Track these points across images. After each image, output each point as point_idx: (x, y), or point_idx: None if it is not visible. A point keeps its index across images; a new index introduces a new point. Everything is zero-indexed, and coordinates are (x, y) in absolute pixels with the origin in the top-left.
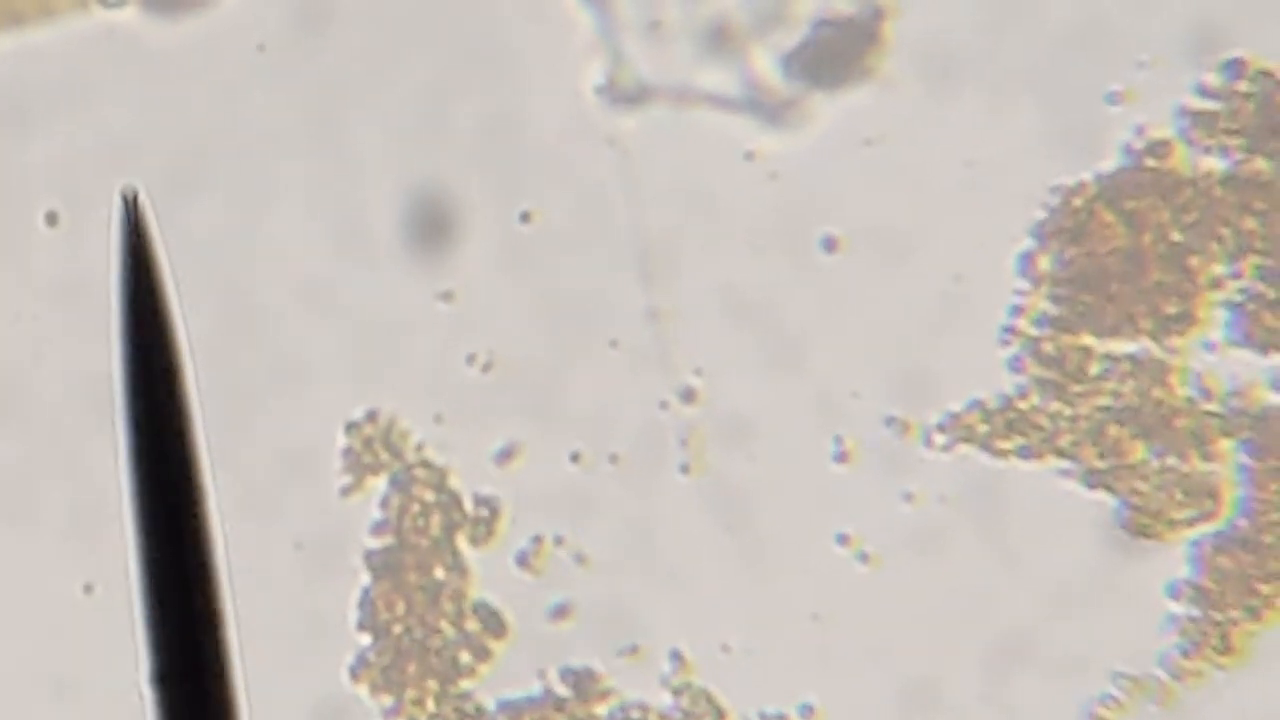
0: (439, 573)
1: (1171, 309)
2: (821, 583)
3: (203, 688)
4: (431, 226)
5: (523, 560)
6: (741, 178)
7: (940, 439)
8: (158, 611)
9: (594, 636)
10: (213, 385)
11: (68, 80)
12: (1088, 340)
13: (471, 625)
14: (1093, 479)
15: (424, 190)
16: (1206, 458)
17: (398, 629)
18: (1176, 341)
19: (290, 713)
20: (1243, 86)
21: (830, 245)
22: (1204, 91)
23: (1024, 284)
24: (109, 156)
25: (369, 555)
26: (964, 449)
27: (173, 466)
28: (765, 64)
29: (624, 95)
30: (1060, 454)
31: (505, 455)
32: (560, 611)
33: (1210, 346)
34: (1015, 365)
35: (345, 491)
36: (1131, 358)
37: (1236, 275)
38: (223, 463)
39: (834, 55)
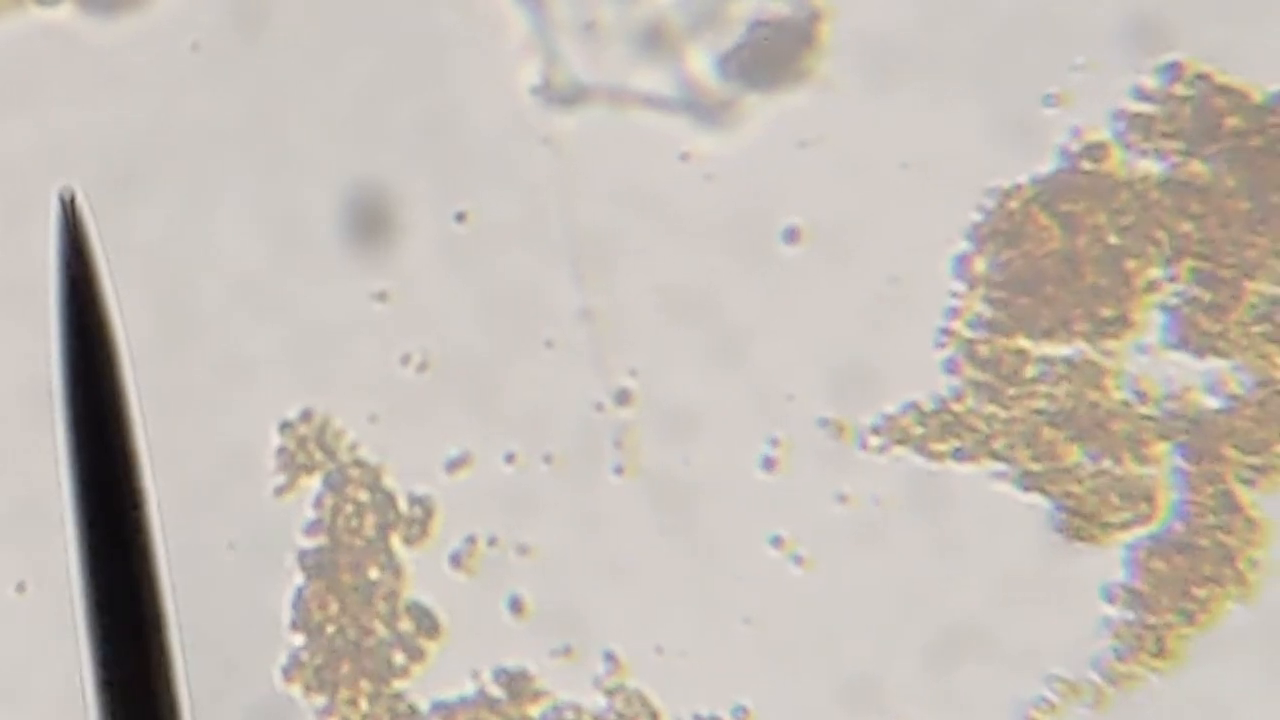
0: (373, 572)
1: (1107, 312)
2: (756, 584)
3: (146, 691)
4: (368, 226)
5: (457, 560)
6: (677, 178)
7: (875, 441)
8: (100, 616)
9: (528, 637)
10: (150, 385)
11: (2, 79)
12: (1023, 343)
13: (405, 625)
14: (1028, 482)
15: (361, 190)
16: (1142, 461)
17: (331, 629)
18: (1112, 344)
19: (225, 713)
20: (1180, 90)
21: (766, 247)
22: (1141, 94)
23: (960, 286)
24: (45, 156)
25: (303, 555)
26: (899, 451)
27: (113, 467)
28: (701, 65)
29: (560, 96)
30: (995, 457)
31: (440, 455)
32: (494, 612)
33: (1146, 350)
34: (950, 367)
35: (279, 491)
36: (1067, 360)
37: (1173, 279)
38: (158, 462)
39: (770, 57)
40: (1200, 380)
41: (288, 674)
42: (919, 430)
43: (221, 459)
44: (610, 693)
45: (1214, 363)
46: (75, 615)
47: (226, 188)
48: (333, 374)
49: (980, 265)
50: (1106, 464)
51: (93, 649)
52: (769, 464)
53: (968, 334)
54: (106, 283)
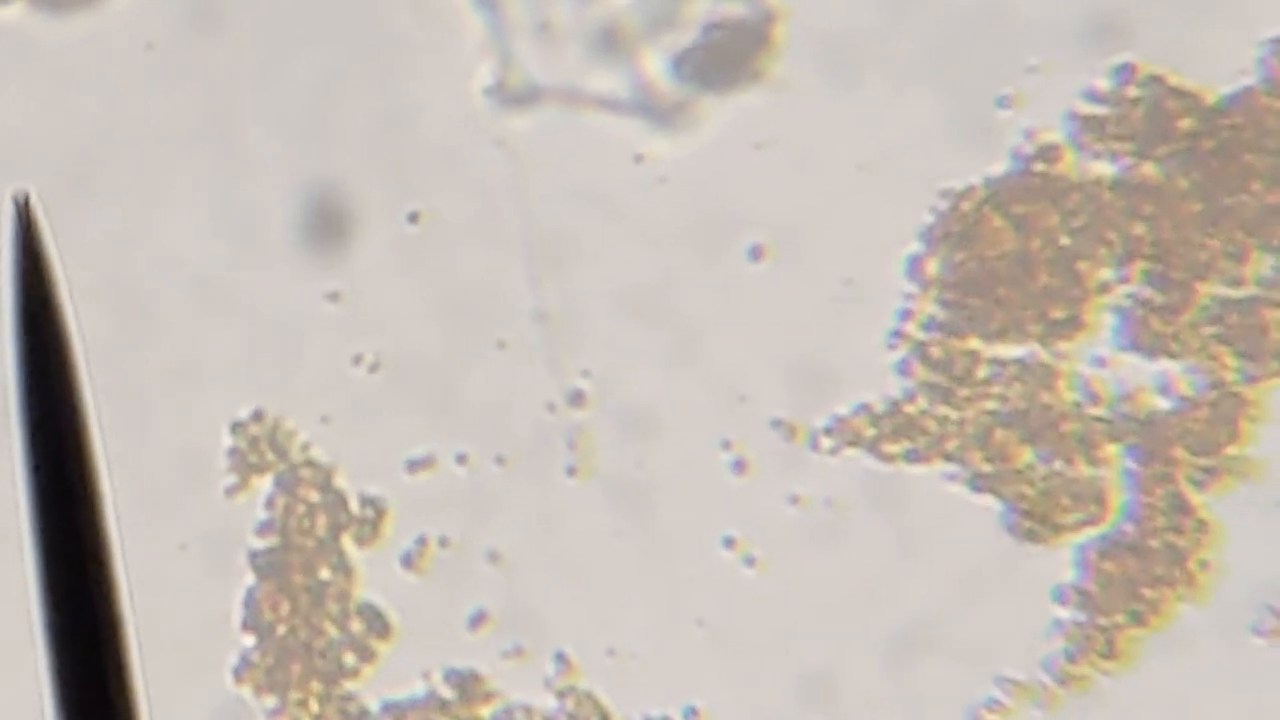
0: (324, 573)
1: (1059, 313)
2: (708, 586)
3: (104, 693)
4: (321, 226)
5: (408, 561)
6: (631, 180)
7: (827, 442)
8: (59, 623)
9: (479, 638)
10: (102, 385)
11: None
12: (975, 344)
13: (356, 626)
14: (980, 483)
15: (314, 190)
16: (1093, 462)
17: (282, 629)
18: (1064, 346)
19: (177, 715)
20: (1132, 91)
21: (720, 248)
22: (1093, 96)
23: (912, 288)
24: None
25: (254, 555)
26: (851, 452)
27: (69, 469)
28: (655, 67)
29: (514, 97)
30: (947, 458)
31: (392, 456)
32: (446, 613)
33: (1098, 351)
34: (903, 369)
35: (231, 491)
36: (1019, 362)
37: (1124, 280)
38: (109, 463)
39: (724, 58)
40: (1152, 382)
41: (239, 675)
42: (871, 432)
43: (173, 459)
44: (561, 694)
45: (1165, 364)
46: (32, 618)
47: (180, 188)
48: (285, 374)
49: (933, 267)
50: (1058, 465)
51: (50, 652)
52: (721, 466)
53: (920, 335)
54: (62, 285)
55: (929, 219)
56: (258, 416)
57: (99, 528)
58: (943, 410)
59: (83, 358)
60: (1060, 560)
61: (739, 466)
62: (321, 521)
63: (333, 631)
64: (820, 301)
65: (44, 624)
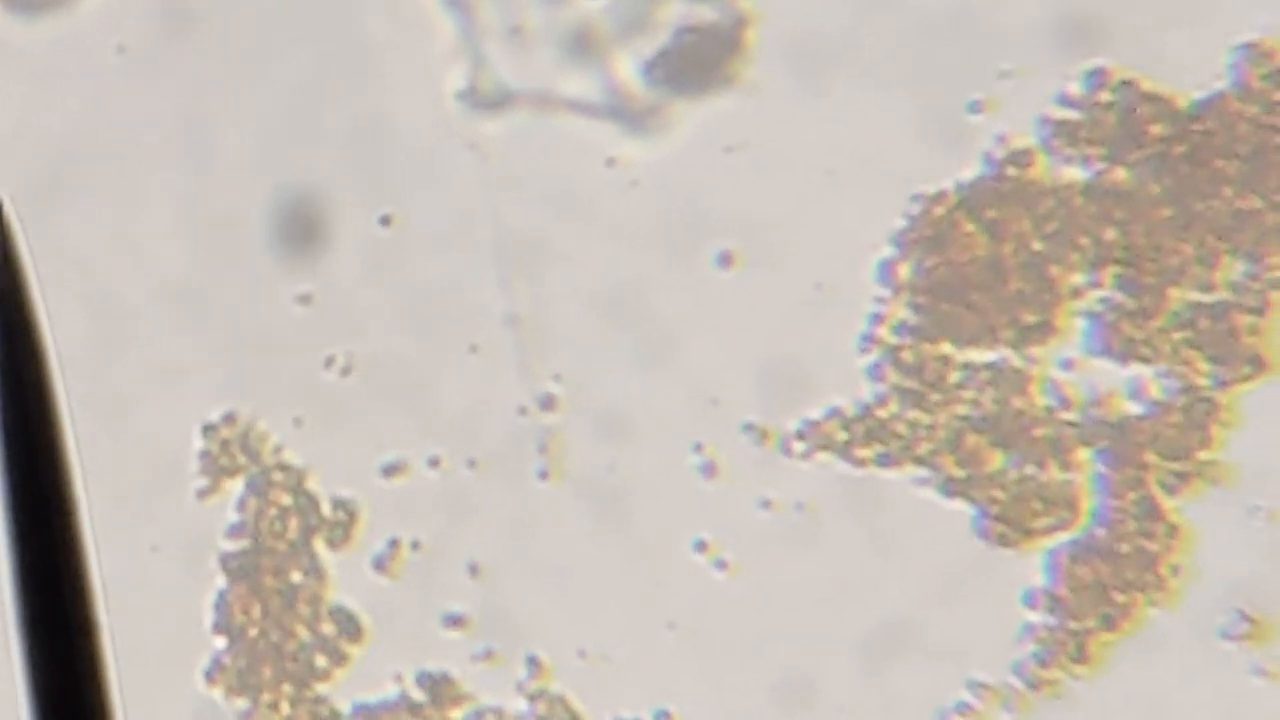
0: (296, 576)
1: (1031, 318)
2: (679, 590)
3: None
4: (292, 229)
5: (380, 564)
6: (603, 184)
7: (799, 446)
8: (33, 623)
9: (450, 641)
10: (74, 388)
11: None
12: (947, 349)
13: (328, 629)
14: (951, 487)
15: (286, 193)
16: (1064, 467)
17: (253, 632)
18: (1036, 351)
19: (150, 717)
20: (1104, 96)
21: (692, 253)
22: (1066, 101)
23: (884, 292)
24: None
25: (225, 558)
26: (823, 456)
27: (44, 472)
28: (627, 70)
29: (486, 101)
30: (919, 462)
31: (364, 459)
32: (417, 616)
33: (1069, 356)
34: (875, 373)
35: (202, 494)
36: (991, 366)
37: (1096, 285)
38: (84, 466)
39: (696, 62)
40: (1123, 386)
41: (210, 677)
42: (843, 436)
43: (144, 462)
44: (532, 697)
45: (1137, 369)
46: (7, 621)
47: (152, 191)
48: (256, 377)
49: (905, 271)
50: (1029, 470)
51: (25, 654)
52: (693, 469)
53: (892, 340)
54: (36, 288)
55: (901, 223)
56: (229, 419)
57: (73, 530)
58: (914, 414)
59: (56, 360)
60: (1031, 564)
61: (710, 470)
62: (293, 524)
63: (304, 634)
64: (792, 305)
65: (18, 625)
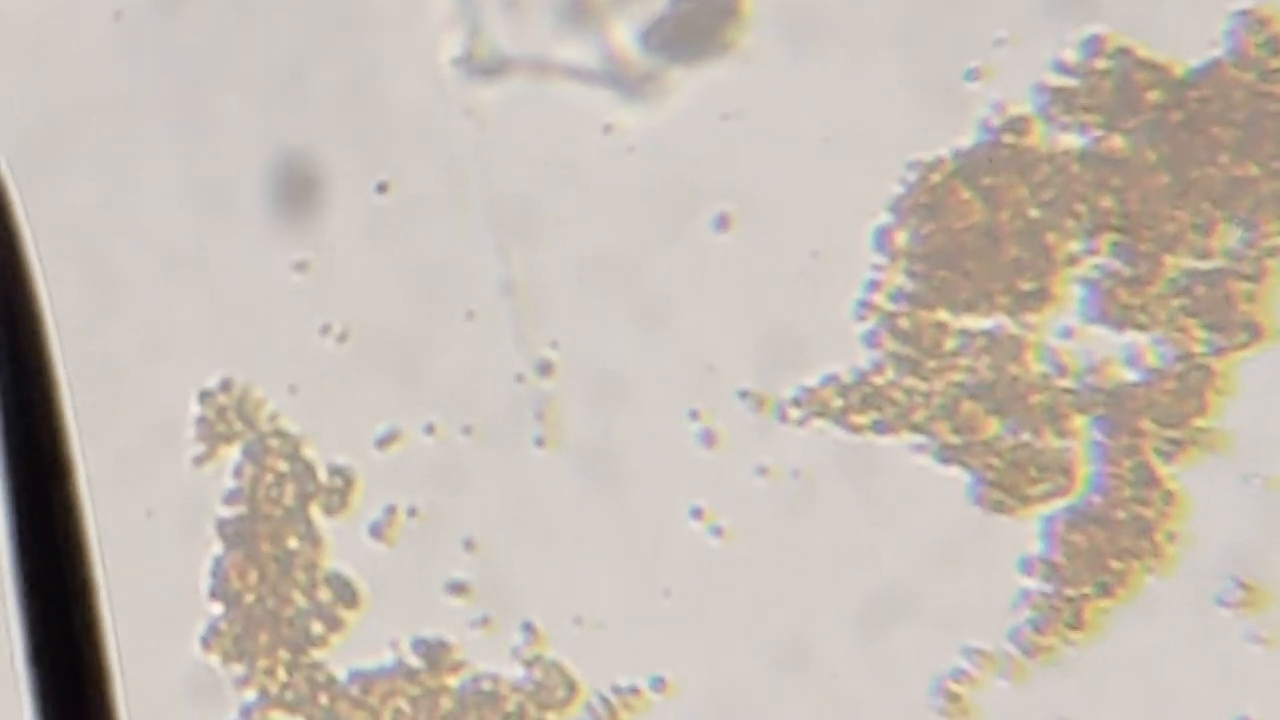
0: (292, 542)
1: (1027, 285)
2: (675, 556)
3: (78, 662)
4: (289, 196)
5: (376, 531)
6: (600, 151)
7: (795, 413)
8: (31, 589)
9: (446, 608)
10: (71, 354)
11: None
12: (943, 316)
13: (324, 595)
14: (947, 454)
15: (282, 160)
16: (1060, 434)
17: (250, 598)
18: (1032, 318)
19: (146, 683)
20: (1101, 63)
21: (688, 220)
22: (1062, 68)
23: (880, 259)
24: None
25: (221, 524)
26: (819, 423)
27: (41, 438)
28: (624, 37)
29: (482, 67)
30: (915, 429)
31: (360, 425)
32: (413, 582)
33: (1066, 323)
34: (871, 340)
35: (198, 461)
36: (987, 334)
37: (1093, 252)
38: (80, 432)
39: (693, 29)
40: (1119, 354)
41: (206, 643)
42: (839, 403)
43: (141, 428)
44: (529, 663)
45: (1133, 336)
46: (5, 586)
47: (148, 158)
48: (253, 344)
49: (901, 238)
50: (1025, 437)
51: (22, 619)
52: (689, 436)
53: (888, 307)
54: (33, 255)
55: (897, 190)
56: (226, 386)
57: (71, 496)
58: (910, 381)
59: (53, 326)
60: (1027, 531)
61: (706, 437)
62: (289, 491)
63: (300, 600)
64: (788, 272)
65: (16, 591)
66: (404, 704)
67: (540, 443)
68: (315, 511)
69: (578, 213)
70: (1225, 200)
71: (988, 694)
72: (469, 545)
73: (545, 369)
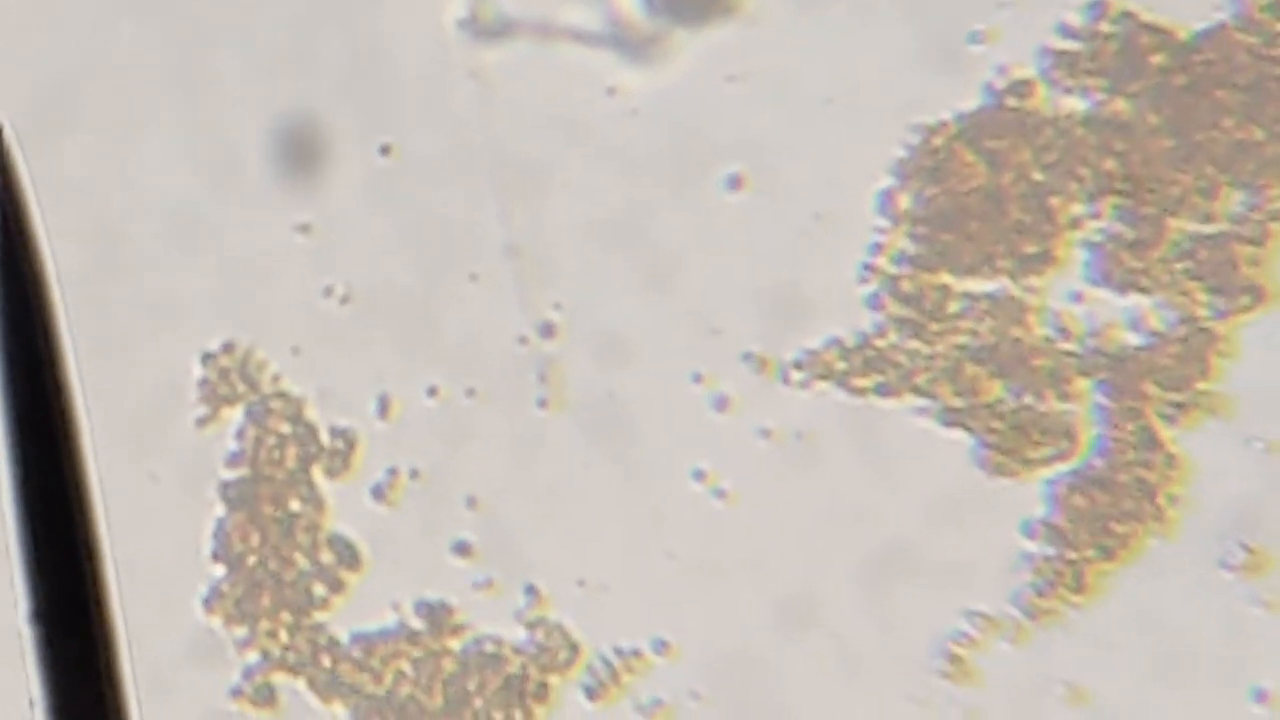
0: (294, 504)
1: (1031, 248)
2: (678, 519)
3: (82, 622)
4: (292, 158)
5: (378, 493)
6: (604, 113)
7: (798, 376)
8: (36, 549)
9: (449, 570)
10: (74, 316)
11: None
12: (946, 279)
13: (326, 557)
14: (950, 417)
15: (286, 122)
16: (1063, 397)
17: (252, 560)
18: (1035, 281)
19: (149, 645)
20: (1105, 27)
21: (692, 182)
22: (1066, 32)
23: (884, 222)
24: None
25: (224, 486)
26: (822, 386)
27: (46, 400)
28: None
29: (486, 29)
30: (917, 392)
31: (362, 388)
32: (416, 544)
33: (1069, 287)
34: (874, 303)
35: (201, 423)
36: (990, 297)
37: (1096, 215)
38: (84, 394)
39: None
40: (1122, 317)
41: (208, 605)
42: (842, 365)
43: (144, 390)
44: (531, 626)
45: (1136, 299)
46: (10, 552)
47: (152, 121)
48: (255, 306)
49: (905, 201)
50: (1028, 400)
51: (29, 582)
52: (693, 398)
53: (891, 270)
54: (37, 216)
55: (901, 153)
56: (228, 348)
57: (76, 458)
58: (913, 344)
59: (57, 287)
60: (1030, 494)
61: (710, 399)
62: (292, 453)
63: (303, 563)
64: (791, 235)
65: (22, 554)
66: (406, 666)
67: (543, 404)
68: (317, 473)
69: (581, 175)
70: (1229, 164)
71: (990, 656)
72: (471, 507)
73: (548, 331)
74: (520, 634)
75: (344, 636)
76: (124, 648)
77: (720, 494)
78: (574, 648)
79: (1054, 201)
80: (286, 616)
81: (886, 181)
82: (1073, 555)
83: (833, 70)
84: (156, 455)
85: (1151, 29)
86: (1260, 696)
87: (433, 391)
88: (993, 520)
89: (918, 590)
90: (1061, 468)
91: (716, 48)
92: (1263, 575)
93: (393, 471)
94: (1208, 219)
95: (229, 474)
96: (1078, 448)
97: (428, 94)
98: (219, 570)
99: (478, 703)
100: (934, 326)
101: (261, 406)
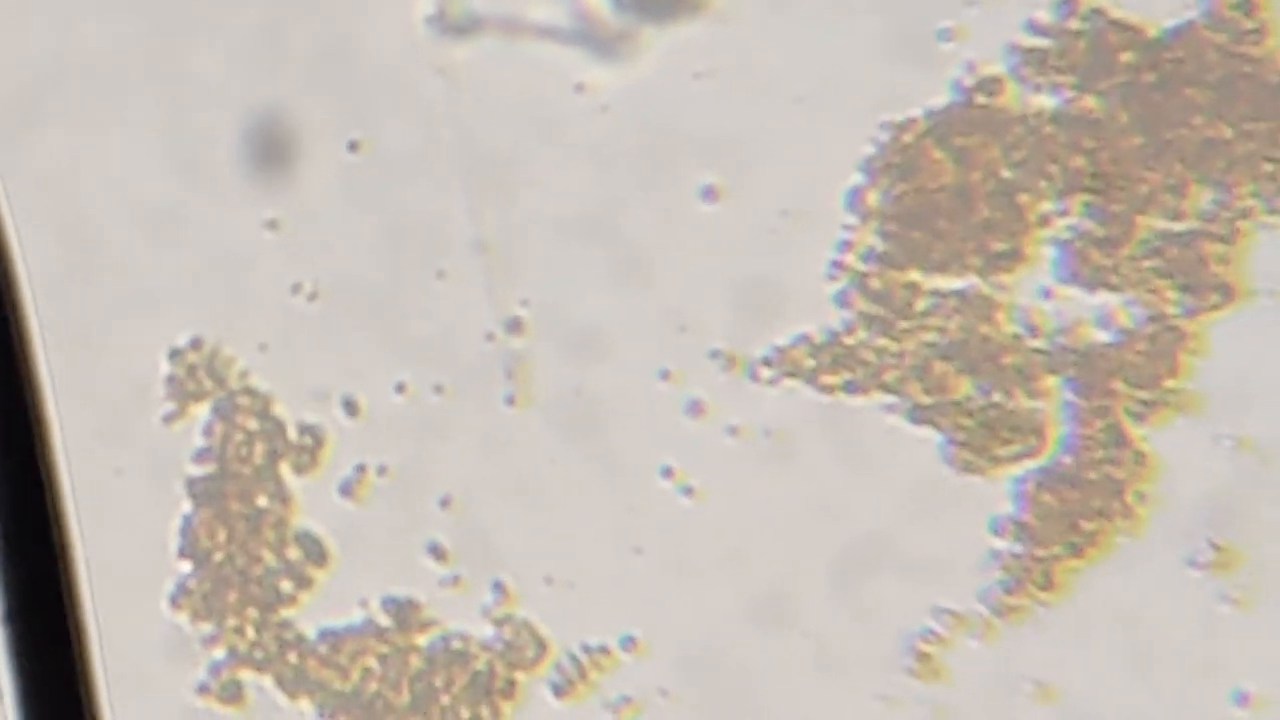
0: (261, 500)
1: (1000, 246)
2: (646, 516)
3: (50, 620)
4: (260, 154)
5: (346, 490)
6: (572, 109)
7: (766, 373)
8: (3, 547)
9: (416, 567)
10: (43, 312)
11: None
12: (915, 276)
13: (293, 554)
14: (918, 415)
15: (256, 118)
16: (1032, 395)
17: (219, 557)
18: (1004, 278)
19: (116, 640)
20: (1074, 24)
21: (660, 179)
22: (1035, 29)
23: (852, 219)
24: None
25: (191, 483)
26: (790, 383)
27: (14, 397)
28: None
29: (454, 26)
30: (886, 389)
31: (330, 384)
32: (383, 541)
33: (1038, 284)
34: (842, 300)
35: (168, 419)
36: (959, 294)
37: (1065, 213)
38: (54, 389)
39: None
40: (1091, 315)
41: (175, 601)
42: (810, 363)
43: (111, 386)
44: (498, 622)
45: (1105, 297)
46: None
47: (122, 115)
48: (223, 302)
49: (873, 198)
50: (997, 397)
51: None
52: (661, 396)
53: (860, 267)
54: (5, 210)
55: (870, 151)
56: (196, 344)
57: (42, 453)
58: (882, 342)
59: (26, 282)
60: (998, 492)
61: (678, 397)
62: (259, 449)
63: (270, 559)
64: (760, 232)
65: None
66: (373, 662)
67: (511, 401)
68: (285, 470)
69: (550, 171)
70: (1198, 162)
71: (958, 654)
72: (439, 504)
73: (516, 327)
74: (488, 631)
75: (311, 633)
76: (94, 644)
77: (688, 491)
78: (542, 645)
79: (1023, 199)
80: (253, 613)
81: (855, 179)
82: (1041, 553)
83: (802, 67)
84: (123, 451)
85: (1121, 26)
86: (1241, 700)
87: (401, 388)
88: (961, 518)
89: (886, 588)
90: (1030, 465)
91: (685, 44)
92: (1231, 572)
93: (361, 468)
94: (1177, 217)
95: (196, 470)
96: (1046, 445)
97: (396, 90)
98: (186, 566)
99: (445, 699)
100: (903, 324)
101: (229, 403)
